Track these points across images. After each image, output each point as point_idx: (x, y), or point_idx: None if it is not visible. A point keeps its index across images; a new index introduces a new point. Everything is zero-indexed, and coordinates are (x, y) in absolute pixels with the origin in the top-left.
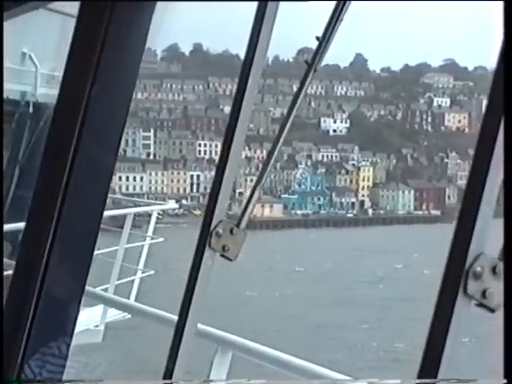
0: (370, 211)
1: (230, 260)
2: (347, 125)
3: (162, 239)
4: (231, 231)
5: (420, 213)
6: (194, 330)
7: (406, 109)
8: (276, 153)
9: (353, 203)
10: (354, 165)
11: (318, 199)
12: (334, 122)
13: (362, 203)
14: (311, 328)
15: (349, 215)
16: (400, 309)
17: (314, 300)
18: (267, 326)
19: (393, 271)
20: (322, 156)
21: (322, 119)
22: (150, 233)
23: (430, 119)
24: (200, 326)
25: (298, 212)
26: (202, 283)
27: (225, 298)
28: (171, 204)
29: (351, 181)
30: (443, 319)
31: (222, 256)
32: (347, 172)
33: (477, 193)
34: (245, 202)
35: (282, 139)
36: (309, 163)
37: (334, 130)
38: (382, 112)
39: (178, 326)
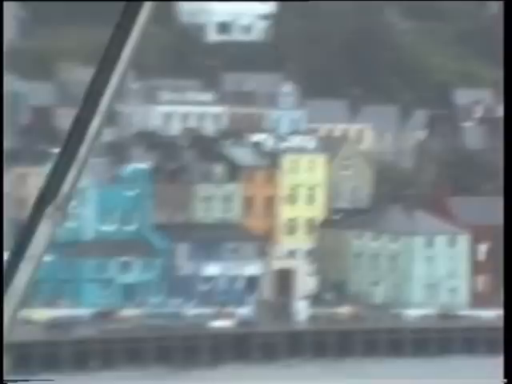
0: (303, 309)
1: None
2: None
3: None
4: None
5: (489, 314)
6: None
7: None
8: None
9: (252, 280)
10: (257, 146)
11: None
12: None
13: (282, 279)
14: None
15: (220, 324)
16: None
17: None
18: None
19: None
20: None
21: None
22: None
23: None
24: None
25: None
26: None
27: None
28: None
29: (251, 202)
30: None
31: None
32: (234, 172)
33: None
34: None
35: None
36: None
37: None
38: None
39: None
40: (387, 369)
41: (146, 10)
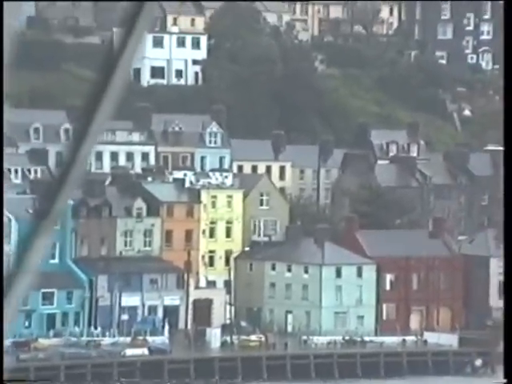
0: (217, 337)
1: None
2: None
3: None
4: None
5: (392, 340)
6: None
7: None
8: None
9: (170, 310)
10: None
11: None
12: None
13: (200, 309)
14: None
15: (134, 352)
16: None
17: None
18: None
19: None
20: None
21: None
22: None
23: None
24: None
25: None
26: None
27: None
28: None
29: (171, 235)
30: None
31: None
32: (155, 207)
33: None
34: None
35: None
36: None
37: None
38: None
39: None
40: None
41: (133, 44)
